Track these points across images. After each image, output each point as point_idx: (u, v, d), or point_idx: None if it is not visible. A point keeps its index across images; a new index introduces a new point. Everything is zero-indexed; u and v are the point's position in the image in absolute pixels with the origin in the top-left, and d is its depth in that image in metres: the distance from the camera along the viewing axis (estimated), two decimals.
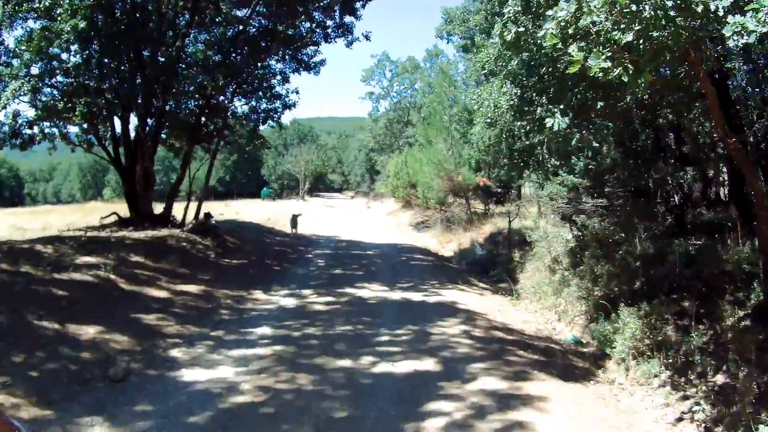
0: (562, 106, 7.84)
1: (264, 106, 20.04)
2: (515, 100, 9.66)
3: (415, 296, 12.35)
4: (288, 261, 17.46)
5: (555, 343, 9.65)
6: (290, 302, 11.51)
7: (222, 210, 35.62)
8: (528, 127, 9.85)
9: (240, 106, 20.27)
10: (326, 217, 37.48)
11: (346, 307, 11.03)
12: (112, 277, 10.76)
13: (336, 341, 8.60)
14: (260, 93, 19.51)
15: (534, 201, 23.72)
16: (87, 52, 15.40)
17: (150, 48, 15.96)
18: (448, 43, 31.79)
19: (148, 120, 17.86)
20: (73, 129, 18.39)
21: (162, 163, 75.26)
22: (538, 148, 10.64)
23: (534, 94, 9.14)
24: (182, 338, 8.68)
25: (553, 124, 7.16)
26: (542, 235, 15.21)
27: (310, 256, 18.90)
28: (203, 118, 18.75)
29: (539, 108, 8.60)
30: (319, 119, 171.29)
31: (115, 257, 11.97)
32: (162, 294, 10.97)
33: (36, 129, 16.73)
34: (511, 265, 16.64)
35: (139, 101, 17.09)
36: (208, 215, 20.16)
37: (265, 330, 9.21)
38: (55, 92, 16.37)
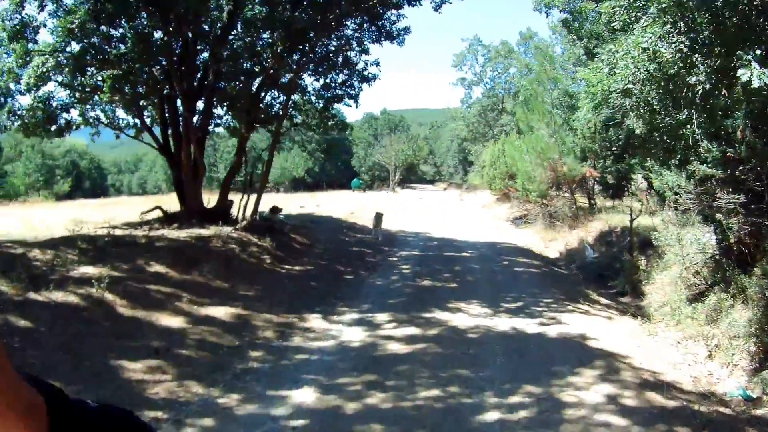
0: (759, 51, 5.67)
1: (339, 79, 16.67)
2: (673, 48, 6.27)
3: (529, 325, 8.75)
4: (365, 267, 14.03)
5: (723, 403, 6.36)
6: (356, 336, 8.02)
7: (305, 202, 32.96)
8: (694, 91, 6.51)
9: (310, 82, 16.98)
10: (417, 211, 33.92)
11: (434, 347, 7.45)
12: (108, 297, 7.67)
13: (415, 426, 5.08)
14: (332, 65, 16.10)
15: (638, 195, 19.51)
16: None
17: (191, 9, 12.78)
18: (547, 16, 27.50)
19: (198, 99, 14.91)
20: (121, 113, 15.89)
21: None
22: (687, 127, 8.18)
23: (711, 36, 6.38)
24: (169, 409, 5.35)
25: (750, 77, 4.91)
26: (673, 238, 11.68)
27: (393, 259, 15.43)
28: (262, 94, 15.59)
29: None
30: (411, 111, 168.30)
31: (129, 267, 8.92)
32: (175, 322, 7.77)
33: (75, 113, 14.26)
34: (635, 274, 12.83)
35: (180, 73, 14.13)
36: (274, 209, 17.11)
37: (306, 395, 5.74)
38: (93, 69, 13.73)
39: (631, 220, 14.28)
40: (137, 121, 15.76)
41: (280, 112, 15.37)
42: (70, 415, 0.77)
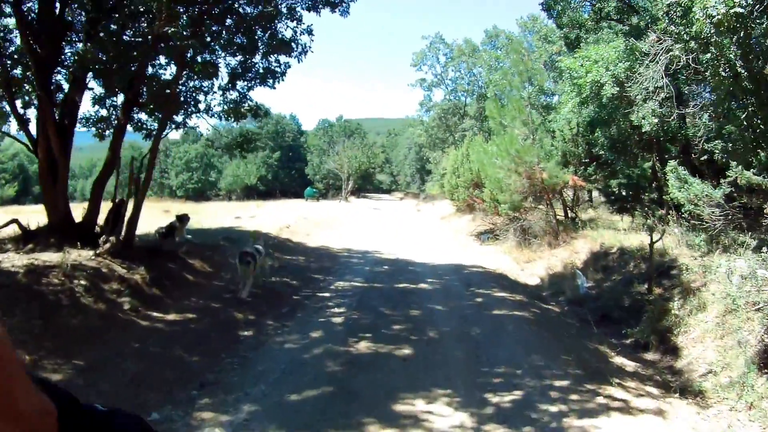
0: None
1: (257, 57, 12.29)
2: None
3: None
4: (279, 310, 9.50)
5: None
6: None
7: (245, 212, 28.45)
8: None
9: (224, 58, 12.43)
10: (369, 223, 29.52)
11: None
12: None
13: None
14: (248, 30, 11.59)
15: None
16: None
17: None
18: None
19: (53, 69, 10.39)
20: None
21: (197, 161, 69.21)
22: None
23: None
24: None
25: None
26: (718, 270, 8.65)
27: (325, 294, 10.99)
28: (151, 70, 11.12)
29: None
30: (369, 120, 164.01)
31: None
32: None
33: None
34: (662, 319, 9.12)
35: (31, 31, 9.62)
36: (182, 219, 12.56)
37: None
38: None
39: (652, 243, 10.21)
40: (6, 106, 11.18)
41: (169, 91, 10.74)
42: (80, 421, 0.77)
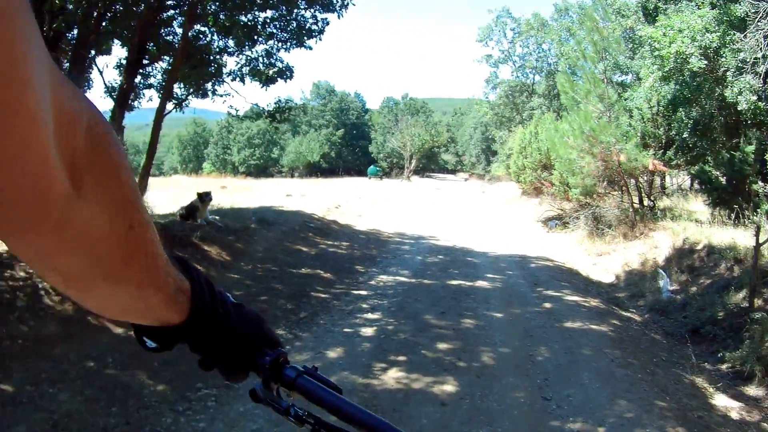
0: None
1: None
2: None
3: None
4: (294, 316, 7.56)
5: None
6: None
7: (299, 189, 26.85)
8: None
9: (246, 15, 10.44)
10: (428, 204, 27.36)
11: None
12: None
13: None
14: None
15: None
16: None
17: None
18: None
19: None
20: None
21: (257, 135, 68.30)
22: None
23: None
24: None
25: None
26: None
27: (360, 293, 9.00)
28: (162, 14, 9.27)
29: None
30: (435, 99, 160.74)
31: None
32: None
33: None
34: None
35: None
36: (203, 197, 10.71)
37: None
38: None
39: (758, 245, 7.78)
40: None
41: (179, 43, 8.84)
42: (211, 302, 0.78)
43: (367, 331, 6.85)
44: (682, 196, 19.16)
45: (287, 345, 6.24)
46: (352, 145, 72.08)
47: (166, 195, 15.18)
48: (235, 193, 21.50)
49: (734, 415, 5.67)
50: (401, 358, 5.97)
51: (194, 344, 0.78)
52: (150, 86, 11.83)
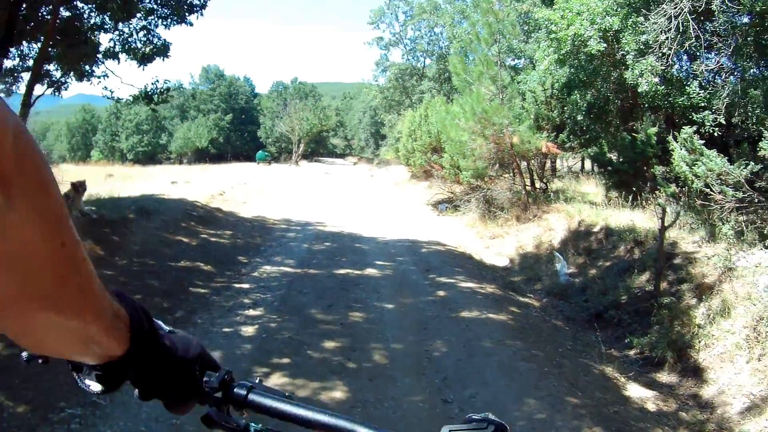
0: None
1: None
2: None
3: None
4: (170, 315, 6.76)
5: None
6: None
7: (189, 176, 25.41)
8: None
9: None
10: (316, 189, 26.66)
11: None
12: None
13: None
14: None
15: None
16: None
17: None
18: None
19: None
20: None
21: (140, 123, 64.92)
22: None
23: None
24: None
25: None
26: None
27: (242, 286, 8.23)
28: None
29: None
30: (325, 84, 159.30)
31: None
32: None
33: None
34: (679, 327, 7.05)
35: None
36: (77, 187, 9.45)
37: None
38: None
39: (663, 228, 7.77)
40: None
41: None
42: (150, 331, 0.74)
43: (248, 330, 6.17)
44: (573, 178, 19.60)
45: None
46: (241, 130, 70.01)
47: None
48: (120, 181, 20.00)
49: (650, 406, 5.53)
50: (285, 360, 5.35)
51: (136, 377, 0.72)
52: (28, 69, 10.60)
